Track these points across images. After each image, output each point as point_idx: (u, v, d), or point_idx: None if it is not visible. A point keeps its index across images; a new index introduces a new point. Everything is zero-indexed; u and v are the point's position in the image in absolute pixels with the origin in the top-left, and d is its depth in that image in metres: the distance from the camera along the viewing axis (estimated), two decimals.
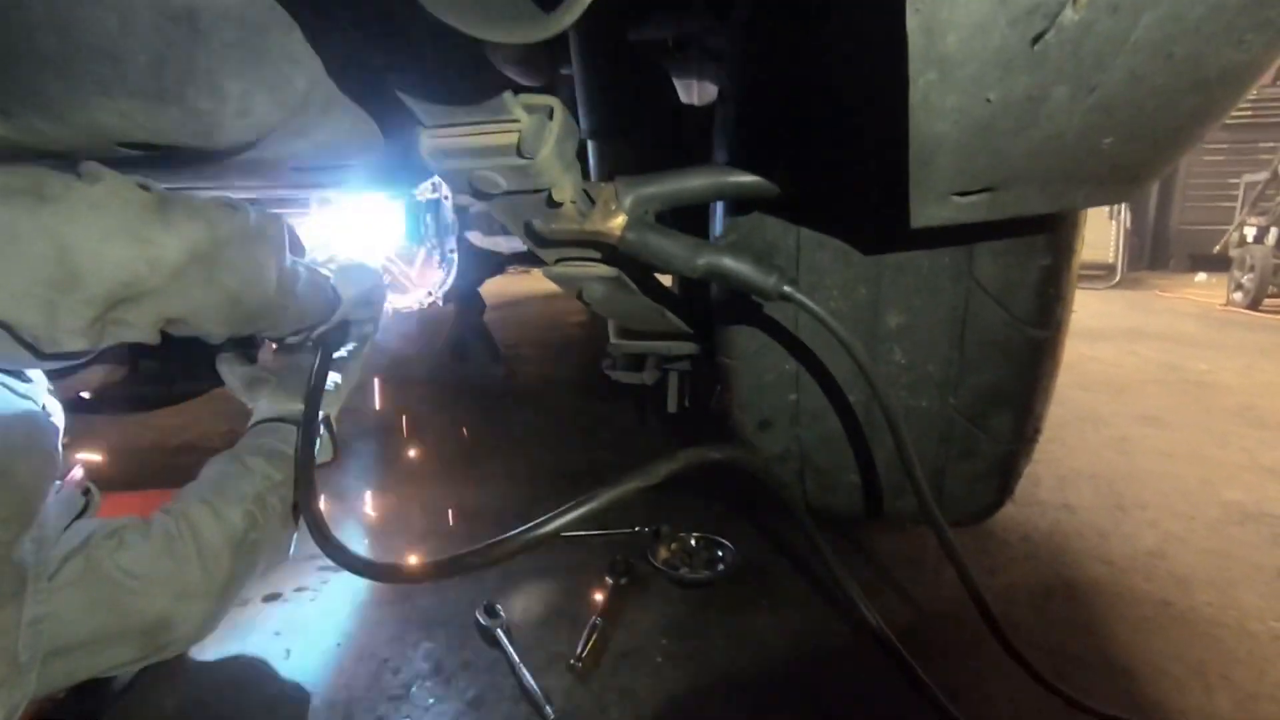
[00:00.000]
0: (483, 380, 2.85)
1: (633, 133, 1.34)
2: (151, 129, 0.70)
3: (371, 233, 1.68)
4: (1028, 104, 0.43)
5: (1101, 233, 5.19)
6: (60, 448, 0.97)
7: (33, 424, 0.90)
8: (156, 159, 0.83)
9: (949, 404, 0.96)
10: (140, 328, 0.82)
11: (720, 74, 1.64)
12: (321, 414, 1.15)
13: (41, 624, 0.85)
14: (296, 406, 1.15)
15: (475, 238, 1.86)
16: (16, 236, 0.73)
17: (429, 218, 1.68)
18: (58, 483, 0.96)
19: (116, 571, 0.91)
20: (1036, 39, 0.36)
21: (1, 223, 0.73)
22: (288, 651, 1.26)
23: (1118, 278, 5.27)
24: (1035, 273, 0.86)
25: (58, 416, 0.97)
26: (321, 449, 1.16)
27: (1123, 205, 5.40)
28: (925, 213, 0.65)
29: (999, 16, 0.34)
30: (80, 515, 1.00)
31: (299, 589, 1.45)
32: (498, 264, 2.44)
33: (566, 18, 0.43)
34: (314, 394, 1.10)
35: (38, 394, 0.93)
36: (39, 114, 0.69)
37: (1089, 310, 4.10)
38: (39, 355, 0.79)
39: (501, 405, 2.65)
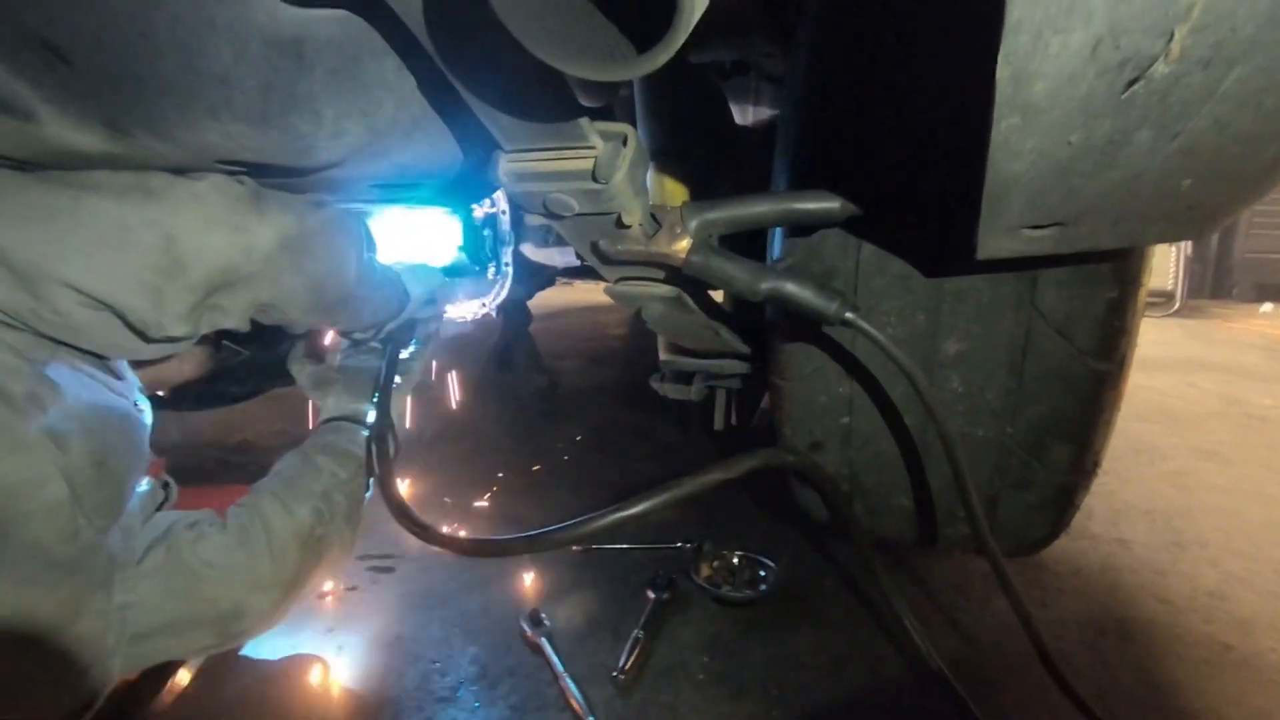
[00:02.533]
0: (527, 390, 2.90)
1: (690, 153, 1.36)
2: (253, 149, 0.75)
3: (431, 243, 1.74)
4: (1108, 147, 0.44)
5: (1160, 258, 5.02)
6: (148, 444, 1.03)
7: (128, 421, 0.96)
8: (248, 174, 0.88)
9: (1006, 433, 0.96)
10: (234, 313, 0.88)
11: (779, 97, 1.66)
12: None
13: (127, 610, 0.90)
14: (361, 406, 1.20)
15: (529, 250, 1.90)
16: (127, 228, 0.79)
17: (486, 231, 1.72)
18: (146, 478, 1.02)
19: (195, 562, 0.96)
20: (1126, 88, 0.37)
21: (114, 216, 0.79)
22: (340, 647, 1.30)
23: (1177, 305, 5.09)
24: (1100, 304, 0.85)
25: (147, 415, 1.03)
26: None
27: None
28: (993, 244, 0.66)
29: (1089, 69, 0.36)
30: (160, 507, 1.06)
31: (351, 588, 1.49)
32: (548, 277, 2.49)
33: (661, 57, 0.46)
34: (386, 386, 1.16)
35: (132, 393, 0.99)
36: (152, 134, 0.75)
37: (1146, 339, 3.94)
38: (145, 340, 0.84)
39: (545, 414, 2.70)
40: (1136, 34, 0.33)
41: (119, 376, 0.97)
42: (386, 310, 1.16)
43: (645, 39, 0.49)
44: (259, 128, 0.72)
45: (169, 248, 0.80)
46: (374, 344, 1.24)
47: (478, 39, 0.61)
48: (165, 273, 0.80)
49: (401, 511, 1.01)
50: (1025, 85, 0.38)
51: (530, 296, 2.64)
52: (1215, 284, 6.25)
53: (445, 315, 1.36)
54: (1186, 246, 5.19)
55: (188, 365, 1.21)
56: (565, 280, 4.47)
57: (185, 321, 0.84)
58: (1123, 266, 0.84)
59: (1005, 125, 0.42)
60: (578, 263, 1.91)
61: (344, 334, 1.20)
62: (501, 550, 1.09)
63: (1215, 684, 1.20)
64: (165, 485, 1.10)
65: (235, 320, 0.90)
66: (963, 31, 0.52)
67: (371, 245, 1.06)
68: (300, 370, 1.26)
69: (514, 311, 2.75)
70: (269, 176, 0.88)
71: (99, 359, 0.92)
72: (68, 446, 0.83)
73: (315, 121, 0.73)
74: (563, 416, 2.69)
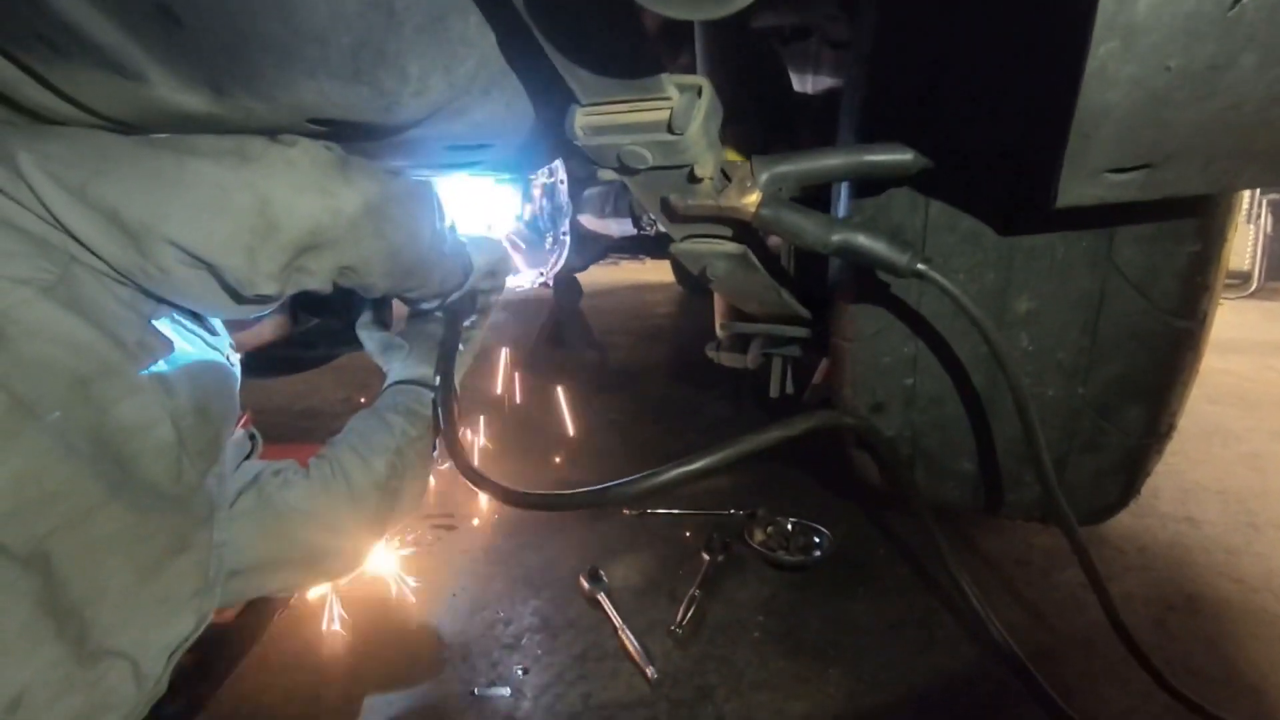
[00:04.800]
0: (578, 364, 2.94)
1: (748, 119, 1.36)
2: (343, 106, 0.79)
3: (491, 214, 1.78)
4: (1209, 73, 0.43)
5: (1238, 237, 4.77)
6: (238, 395, 1.10)
7: (222, 371, 1.03)
8: (336, 133, 0.92)
9: (1077, 394, 0.94)
10: (320, 275, 0.92)
11: (839, 63, 1.64)
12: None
13: (223, 547, 0.97)
14: (427, 371, 1.25)
15: (587, 220, 1.93)
16: (225, 190, 0.84)
17: (545, 201, 1.76)
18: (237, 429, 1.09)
19: (283, 506, 1.02)
20: (1233, 4, 0.36)
21: (212, 178, 0.84)
22: (409, 597, 1.36)
23: (1254, 287, 4.82)
24: (1182, 259, 0.83)
25: (238, 369, 1.10)
26: None
27: (1264, 209, 4.94)
28: (1074, 191, 0.65)
29: None
30: (248, 457, 1.13)
31: (418, 543, 1.56)
32: (601, 250, 2.51)
33: None
34: (450, 352, 1.21)
35: (224, 347, 1.06)
36: (249, 92, 0.79)
37: (1220, 320, 3.74)
38: (238, 299, 0.89)
39: (597, 388, 2.73)
40: None
41: (214, 332, 1.03)
42: (454, 279, 1.19)
43: None
44: (350, 84, 0.75)
45: (263, 210, 0.84)
46: (437, 313, 1.28)
47: None
48: (259, 233, 0.84)
49: (467, 467, 1.06)
50: (1129, 3, 0.38)
51: (584, 269, 2.67)
52: None
53: (504, 286, 1.39)
54: (1267, 224, 4.91)
55: (267, 329, 1.27)
56: (613, 260, 4.50)
57: (275, 281, 0.88)
58: (1207, 219, 0.81)
59: (1103, 50, 0.42)
60: (634, 232, 1.93)
61: (410, 302, 1.24)
62: (566, 504, 1.12)
63: None
64: (252, 437, 1.17)
65: (319, 282, 0.94)
66: None
67: (443, 215, 1.10)
68: (369, 336, 1.32)
69: (565, 286, 2.78)
70: (356, 137, 0.92)
71: (195, 315, 0.98)
72: (175, 392, 0.89)
73: (401, 78, 0.76)
74: (615, 390, 2.72)
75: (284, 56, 0.72)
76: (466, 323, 1.31)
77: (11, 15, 0.72)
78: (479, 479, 1.01)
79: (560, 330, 2.94)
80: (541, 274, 1.82)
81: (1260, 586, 1.39)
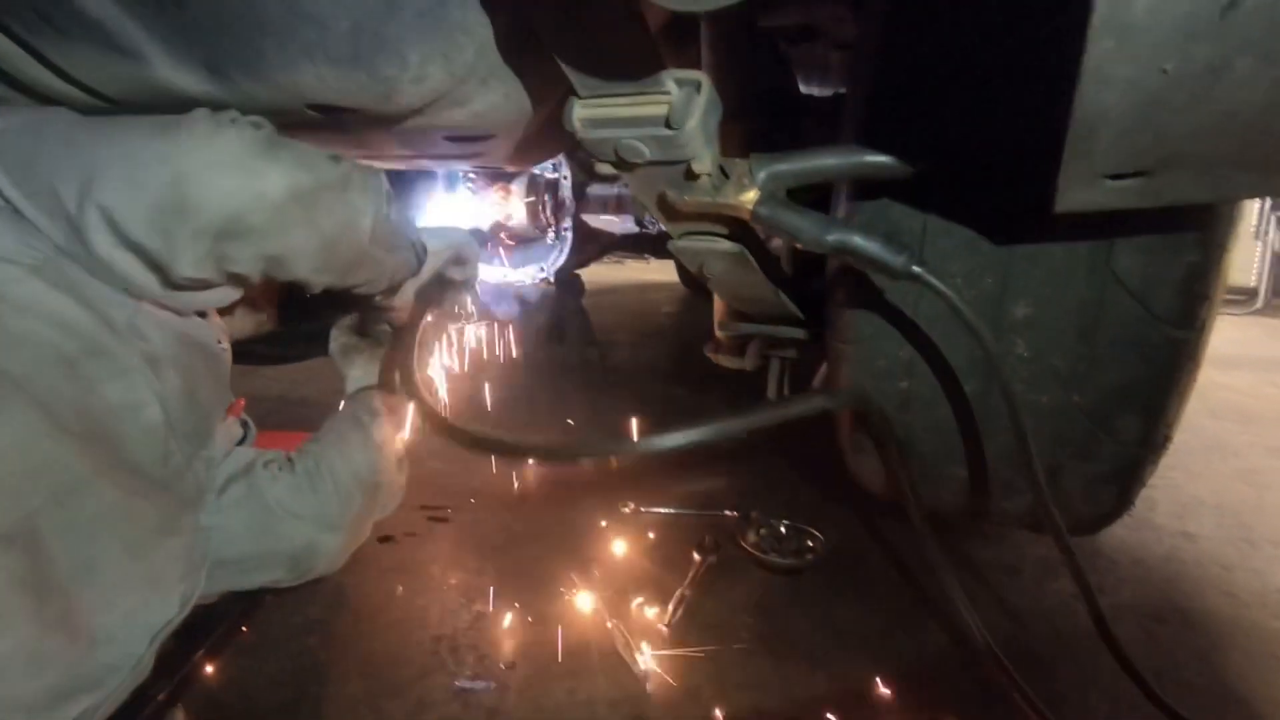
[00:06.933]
0: (578, 361, 2.94)
1: (752, 119, 1.36)
2: (340, 91, 0.79)
3: (481, 208, 1.77)
4: (1206, 76, 0.43)
5: (1244, 253, 4.74)
6: (228, 381, 1.10)
7: (213, 357, 1.02)
8: (330, 122, 0.92)
9: (1072, 401, 0.93)
10: (244, 264, 0.85)
11: (845, 65, 1.64)
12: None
13: (211, 532, 0.96)
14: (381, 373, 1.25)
15: (589, 217, 1.93)
16: (140, 163, 0.79)
17: (547, 196, 1.76)
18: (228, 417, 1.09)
19: (273, 500, 1.02)
20: (1229, 6, 0.36)
21: (132, 149, 0.80)
22: (399, 588, 1.36)
23: (1260, 303, 4.79)
24: (1181, 269, 0.82)
25: (227, 354, 1.10)
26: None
27: (1270, 224, 4.91)
28: (1072, 196, 0.64)
29: None
30: (241, 443, 1.13)
31: (409, 534, 1.56)
32: (601, 248, 2.51)
33: None
34: (408, 349, 1.15)
35: (215, 332, 1.05)
36: (248, 75, 0.79)
37: (1224, 336, 3.74)
38: (169, 283, 0.85)
39: (595, 386, 2.73)
40: None
41: (204, 317, 1.03)
42: (406, 270, 1.12)
43: None
44: (348, 69, 0.75)
45: (176, 184, 0.77)
46: (396, 306, 1.22)
47: None
48: (171, 212, 0.78)
49: (428, 410, 1.03)
50: (1125, 3, 0.37)
51: (583, 266, 2.67)
52: None
53: (477, 273, 1.34)
54: (1273, 240, 4.89)
55: (248, 324, 1.24)
56: (616, 259, 4.49)
57: (197, 266, 0.83)
58: (1207, 229, 0.81)
59: (1099, 50, 0.41)
60: (635, 229, 1.93)
61: (359, 299, 1.17)
62: (545, 455, 1.11)
63: None
64: (244, 424, 1.17)
65: (248, 272, 0.87)
66: None
67: (391, 203, 1.02)
68: (335, 339, 1.30)
69: (567, 283, 2.78)
70: (355, 124, 0.92)
71: None
72: (164, 375, 0.89)
73: (400, 65, 0.76)
74: (612, 388, 2.72)
75: (282, 39, 0.72)
76: (434, 314, 1.25)
77: None
78: (441, 424, 0.99)
79: (560, 326, 2.94)
80: (542, 269, 1.82)
81: (1253, 602, 1.39)
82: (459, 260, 1.25)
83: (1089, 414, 0.93)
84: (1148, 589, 1.42)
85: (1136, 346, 0.87)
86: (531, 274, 1.80)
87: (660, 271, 5.24)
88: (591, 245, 2.26)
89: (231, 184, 0.80)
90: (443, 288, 1.25)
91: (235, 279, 0.90)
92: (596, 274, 3.60)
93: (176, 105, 0.83)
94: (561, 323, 2.96)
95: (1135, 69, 0.43)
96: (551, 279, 1.86)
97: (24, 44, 0.79)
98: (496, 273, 1.79)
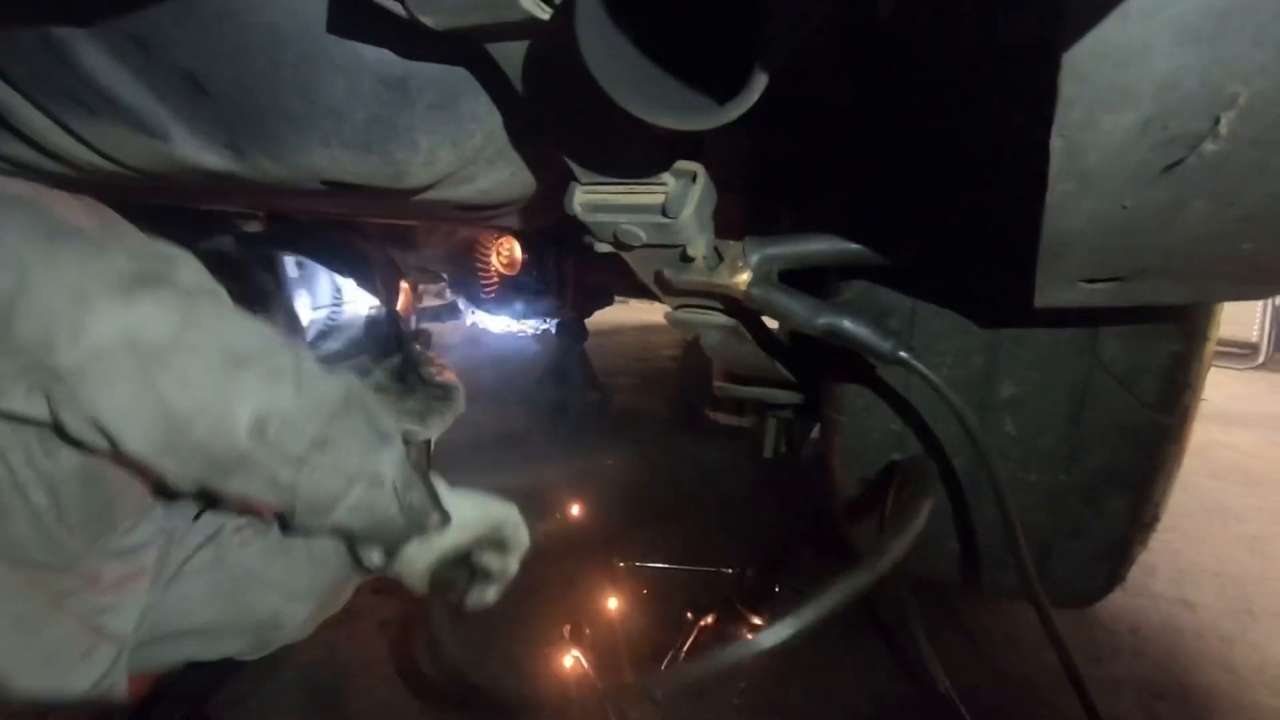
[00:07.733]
0: (579, 406, 2.95)
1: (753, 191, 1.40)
2: (354, 172, 0.82)
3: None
4: (1164, 213, 0.45)
5: (1245, 307, 4.74)
6: None
7: None
8: (344, 196, 0.96)
9: (1060, 480, 0.95)
10: (67, 419, 0.66)
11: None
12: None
13: (158, 609, 0.89)
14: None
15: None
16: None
17: (549, 249, 1.80)
18: None
19: (239, 569, 0.97)
20: (1172, 166, 0.39)
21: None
22: (389, 644, 1.36)
23: (1262, 358, 4.79)
24: (1164, 357, 0.85)
25: None
26: None
27: None
28: (1051, 294, 0.67)
29: (1140, 144, 0.38)
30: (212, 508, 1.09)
31: (390, 591, 1.55)
32: (607, 295, 2.55)
33: (737, 110, 0.50)
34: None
35: None
36: (268, 155, 0.83)
37: (1225, 392, 3.76)
38: None
39: (596, 432, 2.74)
40: (1184, 117, 0.35)
41: None
42: (366, 517, 0.83)
43: (726, 90, 0.52)
44: (362, 154, 0.79)
45: (18, 287, 0.62)
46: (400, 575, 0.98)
47: (569, 89, 0.66)
48: None
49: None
50: (1079, 156, 0.40)
51: (588, 315, 2.70)
52: None
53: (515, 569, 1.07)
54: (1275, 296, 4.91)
55: None
56: (622, 299, 4.54)
57: (19, 397, 0.65)
58: (1188, 320, 0.83)
59: (1060, 189, 0.44)
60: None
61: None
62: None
63: None
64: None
65: (74, 432, 0.67)
66: (1020, 100, 0.54)
67: (356, 412, 0.80)
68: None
69: (569, 327, 2.81)
70: (368, 199, 0.95)
71: None
72: (56, 455, 0.73)
73: (412, 150, 0.80)
74: (613, 435, 2.73)
75: (301, 125, 0.76)
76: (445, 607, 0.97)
77: (46, 74, 0.76)
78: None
79: (563, 370, 2.96)
80: (545, 319, 1.85)
81: (1253, 679, 1.37)
82: (497, 543, 1.00)
83: (1078, 494, 0.94)
84: (1145, 660, 1.41)
85: (1122, 430, 0.89)
86: (533, 324, 1.84)
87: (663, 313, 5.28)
88: (591, 299, 2.29)
89: (52, 298, 0.63)
90: (468, 578, 1.01)
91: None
92: (599, 315, 3.61)
93: (199, 179, 0.87)
94: (563, 367, 2.98)
95: (1097, 203, 0.46)
96: (554, 329, 1.88)
97: (56, 119, 0.84)
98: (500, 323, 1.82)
